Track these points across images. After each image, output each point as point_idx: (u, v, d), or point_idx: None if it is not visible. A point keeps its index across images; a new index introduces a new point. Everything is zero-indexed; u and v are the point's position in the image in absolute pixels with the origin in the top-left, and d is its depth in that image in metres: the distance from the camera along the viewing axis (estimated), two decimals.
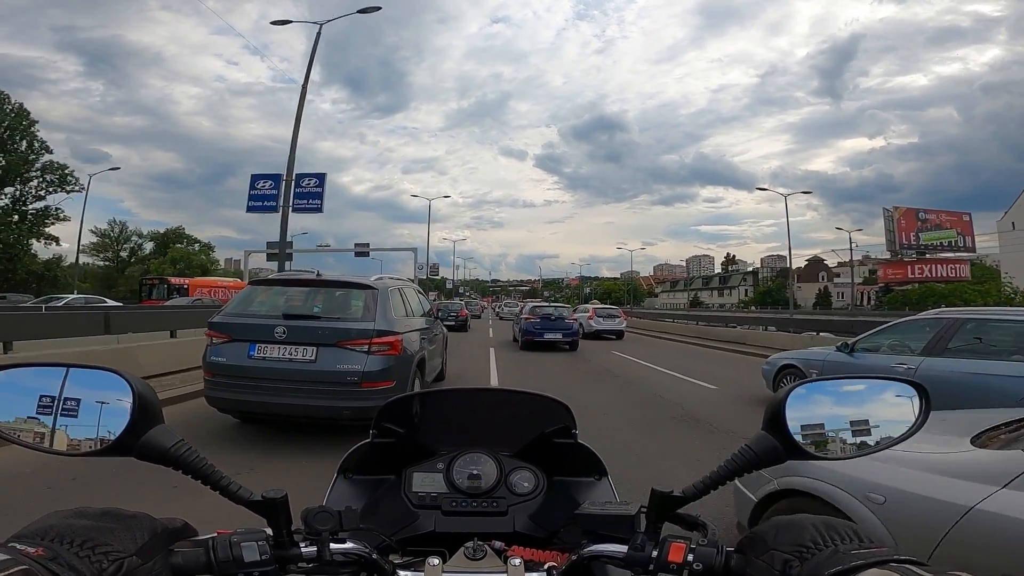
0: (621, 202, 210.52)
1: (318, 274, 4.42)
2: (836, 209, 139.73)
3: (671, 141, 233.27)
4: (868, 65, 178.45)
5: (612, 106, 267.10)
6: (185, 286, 25.39)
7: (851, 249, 43.86)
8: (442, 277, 61.40)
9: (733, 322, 18.43)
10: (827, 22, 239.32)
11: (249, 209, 15.49)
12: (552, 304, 14.90)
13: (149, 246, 45.61)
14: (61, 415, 0.47)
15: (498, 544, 0.62)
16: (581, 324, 15.43)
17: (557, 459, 0.90)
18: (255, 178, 15.63)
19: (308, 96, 12.57)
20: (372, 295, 3.99)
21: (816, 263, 66.86)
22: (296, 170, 13.16)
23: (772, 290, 63.64)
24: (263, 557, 0.47)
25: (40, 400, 0.48)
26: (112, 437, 0.46)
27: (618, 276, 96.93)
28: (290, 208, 12.87)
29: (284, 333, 3.62)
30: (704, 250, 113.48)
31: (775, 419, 0.52)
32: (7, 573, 0.31)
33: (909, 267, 44.89)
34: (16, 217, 30.33)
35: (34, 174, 30.58)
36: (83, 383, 0.48)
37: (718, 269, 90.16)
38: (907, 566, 0.38)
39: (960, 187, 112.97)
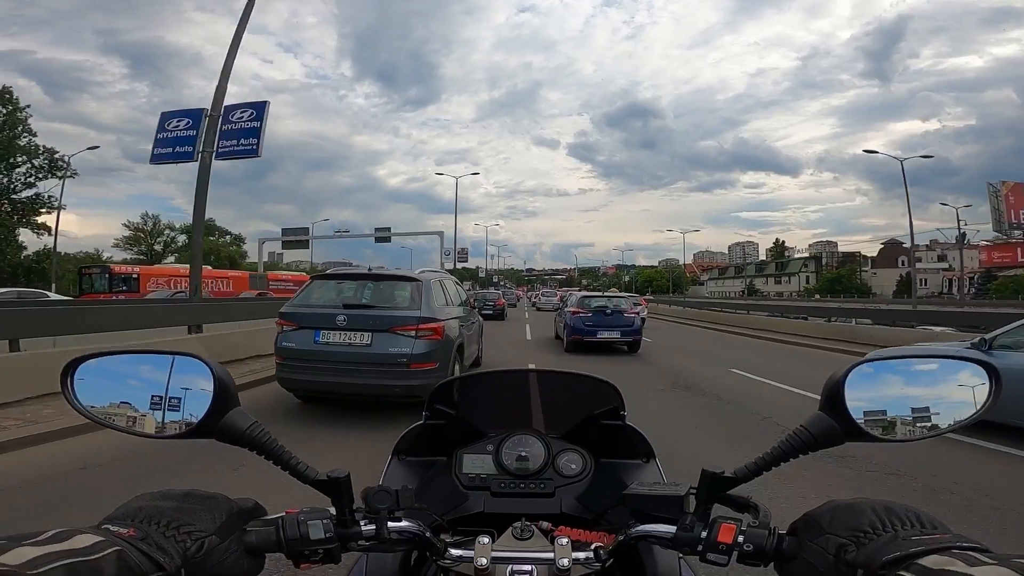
0: (657, 189, 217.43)
1: (370, 269, 5.31)
2: (888, 194, 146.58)
3: (708, 127, 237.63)
4: (918, 47, 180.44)
5: (645, 92, 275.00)
6: (135, 275, 23.59)
7: (959, 228, 39.90)
8: (476, 267, 62.76)
9: (820, 313, 16.25)
10: (870, 3, 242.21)
11: (154, 159, 12.14)
12: (606, 295, 13.00)
13: (182, 239, 47.98)
14: (150, 400, 0.54)
15: (545, 524, 0.69)
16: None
17: (605, 441, 0.97)
18: (165, 117, 12.03)
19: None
20: (417, 286, 5.00)
21: (893, 247, 66.53)
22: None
23: (841, 277, 62.25)
24: (327, 535, 0.53)
25: (131, 385, 0.55)
26: (195, 420, 0.53)
27: (656, 264, 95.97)
28: (213, 153, 10.47)
29: (345, 321, 4.62)
30: (746, 237, 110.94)
31: (834, 399, 0.53)
32: (104, 554, 0.38)
33: (1020, 249, 41.10)
34: (7, 206, 29.48)
35: (20, 160, 29.94)
36: (166, 369, 0.55)
37: (762, 256, 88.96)
38: (970, 552, 0.39)
39: (1023, 171, 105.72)
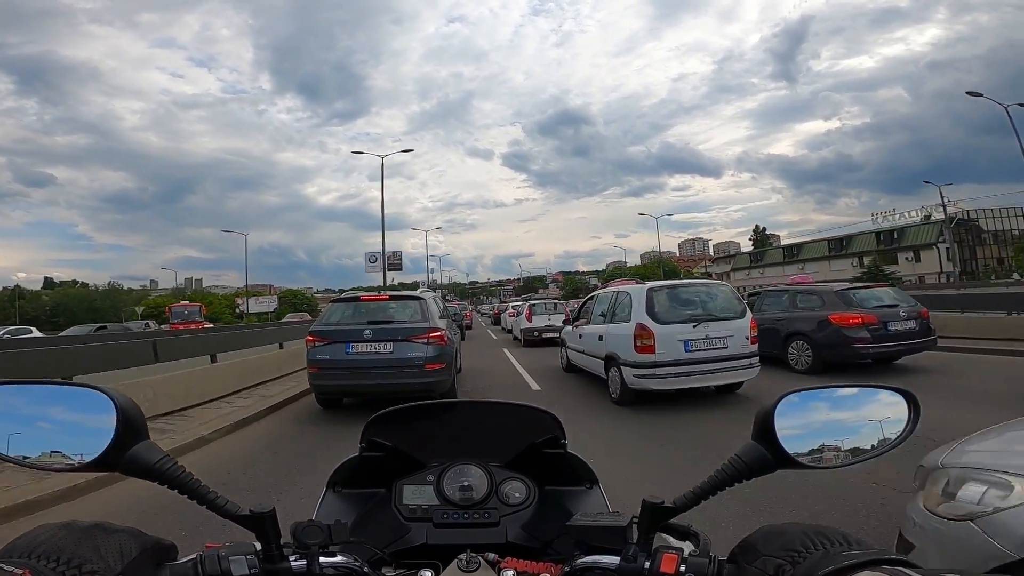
0: (592, 196, 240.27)
1: (380, 290, 7.38)
2: (800, 191, 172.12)
3: (637, 132, 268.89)
4: (819, 47, 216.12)
5: (575, 100, 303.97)
6: None
7: None
8: (415, 282, 64.59)
9: None
10: (775, 6, 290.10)
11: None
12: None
13: None
14: (46, 432, 0.59)
15: (492, 556, 0.77)
16: (511, 327, 17.18)
17: (548, 469, 1.08)
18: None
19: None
20: (423, 303, 6.93)
21: None
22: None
23: None
24: (252, 571, 0.57)
25: (24, 418, 0.59)
26: (97, 452, 0.57)
27: (601, 268, 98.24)
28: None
29: (371, 334, 6.46)
30: (676, 238, 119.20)
31: (764, 428, 0.62)
32: None
33: None
34: None
35: None
36: (65, 400, 0.60)
37: (711, 252, 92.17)
38: (899, 568, 0.46)
39: (917, 163, 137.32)
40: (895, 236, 51.59)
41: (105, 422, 0.58)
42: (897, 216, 52.36)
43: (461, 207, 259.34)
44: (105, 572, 0.48)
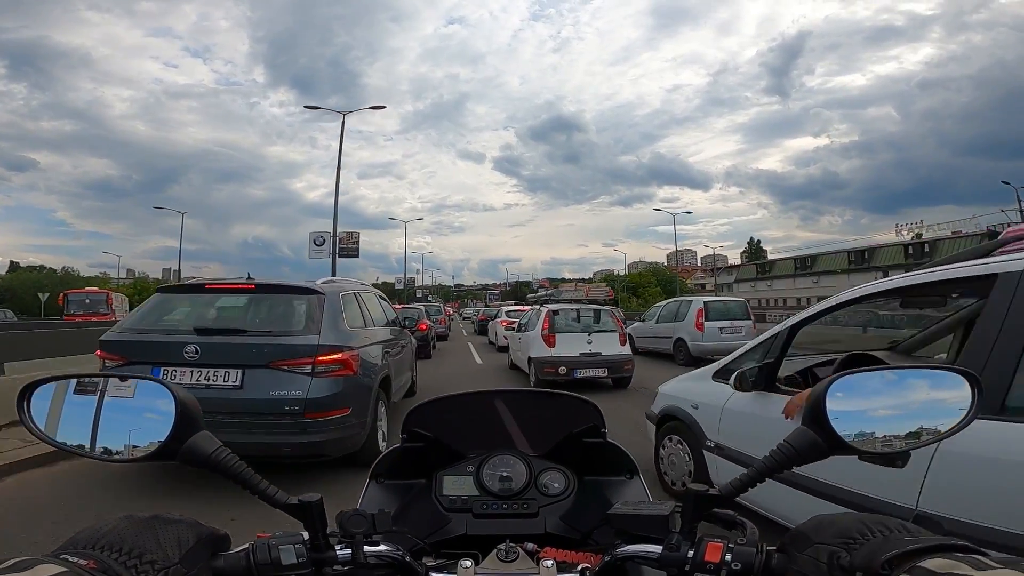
0: (581, 204, 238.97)
1: (248, 276, 4.25)
2: (785, 207, 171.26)
3: (628, 141, 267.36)
4: (814, 63, 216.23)
5: (569, 106, 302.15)
6: None
7: None
8: (395, 280, 61.23)
9: None
10: (774, 21, 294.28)
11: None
12: None
13: None
14: (107, 423, 0.58)
15: (530, 546, 0.73)
16: (504, 344, 11.99)
17: (587, 459, 1.05)
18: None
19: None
20: (317, 302, 3.89)
21: None
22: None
23: None
24: (300, 560, 0.57)
25: (88, 408, 0.59)
26: (157, 443, 0.57)
27: (588, 277, 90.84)
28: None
29: (197, 353, 3.46)
30: (664, 249, 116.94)
31: (816, 413, 0.58)
32: None
33: None
34: None
35: None
36: (126, 392, 0.61)
37: (699, 264, 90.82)
38: (973, 555, 0.41)
39: (900, 183, 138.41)
40: (925, 248, 45.86)
41: (164, 413, 0.58)
42: (925, 228, 49.12)
43: (450, 209, 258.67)
44: (164, 561, 0.50)
